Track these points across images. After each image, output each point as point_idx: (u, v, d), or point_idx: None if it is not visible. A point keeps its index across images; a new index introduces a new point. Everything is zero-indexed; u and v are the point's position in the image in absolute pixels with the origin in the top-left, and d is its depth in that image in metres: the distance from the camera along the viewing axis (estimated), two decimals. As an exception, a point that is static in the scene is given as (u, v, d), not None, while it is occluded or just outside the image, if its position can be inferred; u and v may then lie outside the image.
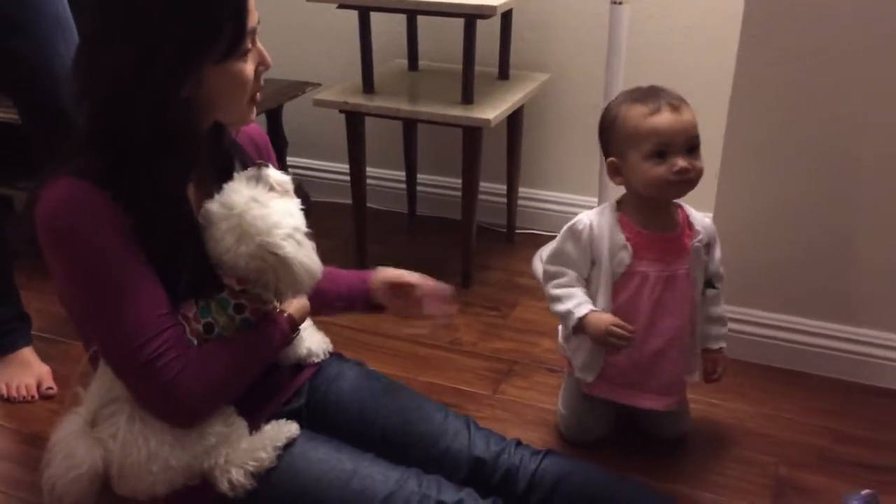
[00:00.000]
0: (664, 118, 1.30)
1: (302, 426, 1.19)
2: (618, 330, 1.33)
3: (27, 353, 1.75)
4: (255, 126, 1.26)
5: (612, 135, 1.37)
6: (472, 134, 1.95)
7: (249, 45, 1.03)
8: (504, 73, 2.18)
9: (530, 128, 2.28)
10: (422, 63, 2.28)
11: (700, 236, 1.40)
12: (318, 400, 1.29)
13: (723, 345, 1.48)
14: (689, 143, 1.31)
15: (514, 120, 2.17)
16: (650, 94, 1.33)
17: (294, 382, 1.28)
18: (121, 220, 1.01)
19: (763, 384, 1.69)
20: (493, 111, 1.93)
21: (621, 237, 1.37)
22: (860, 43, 1.48)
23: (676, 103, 1.32)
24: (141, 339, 1.01)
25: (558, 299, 1.40)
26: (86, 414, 1.08)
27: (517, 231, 2.36)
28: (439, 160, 2.44)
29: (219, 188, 1.08)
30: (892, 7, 1.44)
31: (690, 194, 1.33)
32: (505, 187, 2.31)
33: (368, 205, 2.21)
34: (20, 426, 1.62)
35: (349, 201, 2.21)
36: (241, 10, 1.01)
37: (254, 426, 1.14)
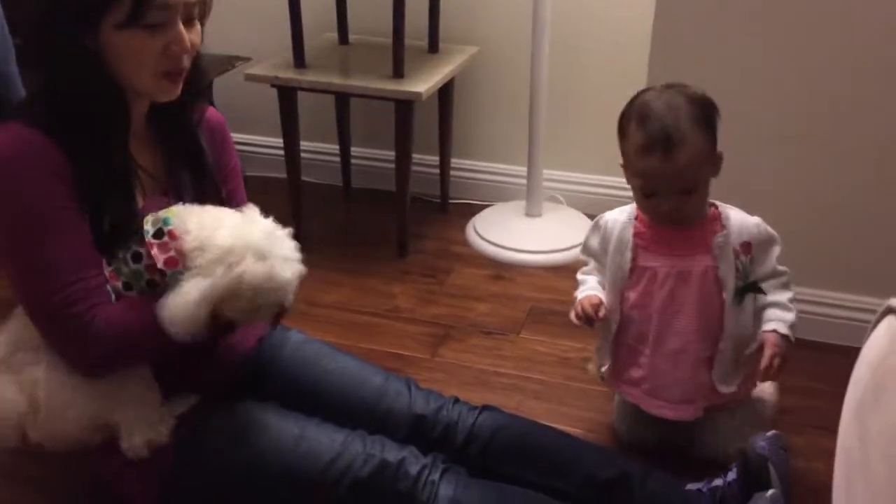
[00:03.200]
0: (652, 162, 1.22)
1: (249, 395, 1.24)
2: (579, 308, 1.36)
3: None
4: (212, 109, 1.29)
5: (620, 142, 1.30)
6: (405, 107, 1.99)
7: (160, 20, 1.05)
8: (434, 47, 2.21)
9: (460, 100, 2.33)
10: (352, 37, 2.30)
11: (725, 232, 1.30)
12: (263, 369, 1.33)
13: (775, 327, 1.30)
14: (679, 187, 1.24)
15: (445, 93, 2.22)
16: (655, 116, 1.22)
17: (235, 353, 1.32)
18: (63, 167, 1.05)
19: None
20: (424, 84, 1.97)
21: (628, 235, 1.34)
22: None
23: (676, 138, 1.20)
24: (58, 282, 1.04)
25: (578, 285, 1.44)
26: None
27: (450, 201, 2.42)
28: (372, 133, 2.47)
29: (188, 167, 1.18)
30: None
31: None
32: (437, 158, 2.36)
33: (303, 178, 2.23)
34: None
35: (283, 175, 2.22)
36: None
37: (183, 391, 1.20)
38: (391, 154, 2.13)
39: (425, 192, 2.41)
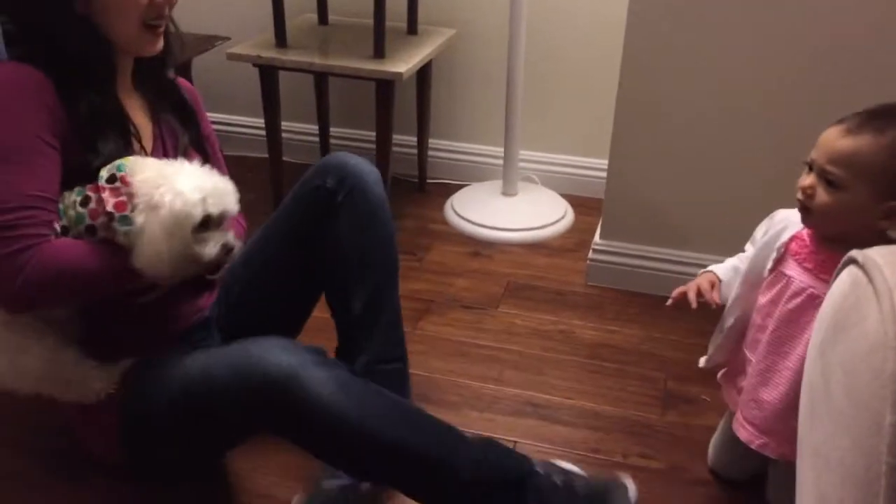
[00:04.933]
0: (830, 128, 1.12)
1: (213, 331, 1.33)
2: (691, 292, 1.30)
3: None
4: (184, 80, 1.33)
5: None
6: (386, 87, 2.03)
7: None
8: (413, 29, 2.25)
9: (438, 81, 2.38)
10: (331, 17, 2.33)
11: None
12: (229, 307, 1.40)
13: None
14: (822, 167, 1.10)
15: (424, 74, 2.26)
16: (883, 107, 1.12)
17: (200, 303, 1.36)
18: (54, 101, 1.09)
19: (652, 311, 1.88)
20: (404, 65, 2.01)
21: (786, 235, 1.21)
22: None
23: (855, 126, 1.09)
24: (10, 203, 1.06)
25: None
26: None
27: (428, 181, 2.47)
28: (351, 113, 2.51)
29: (177, 119, 1.25)
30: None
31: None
32: (415, 139, 2.41)
33: (283, 158, 2.26)
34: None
35: (264, 155, 2.25)
36: None
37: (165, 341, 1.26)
38: (370, 134, 2.17)
39: (403, 171, 2.45)
